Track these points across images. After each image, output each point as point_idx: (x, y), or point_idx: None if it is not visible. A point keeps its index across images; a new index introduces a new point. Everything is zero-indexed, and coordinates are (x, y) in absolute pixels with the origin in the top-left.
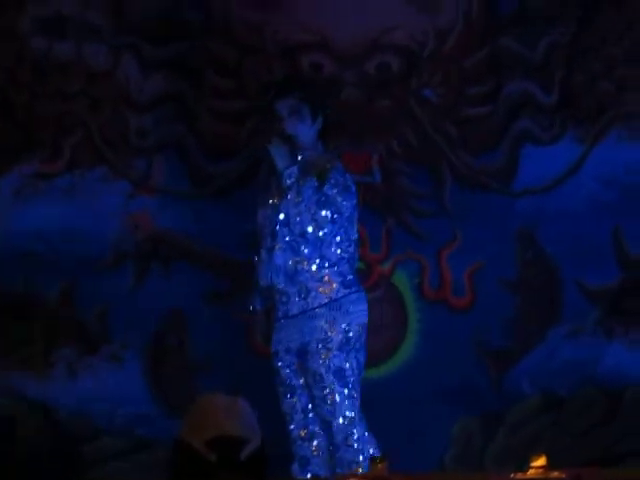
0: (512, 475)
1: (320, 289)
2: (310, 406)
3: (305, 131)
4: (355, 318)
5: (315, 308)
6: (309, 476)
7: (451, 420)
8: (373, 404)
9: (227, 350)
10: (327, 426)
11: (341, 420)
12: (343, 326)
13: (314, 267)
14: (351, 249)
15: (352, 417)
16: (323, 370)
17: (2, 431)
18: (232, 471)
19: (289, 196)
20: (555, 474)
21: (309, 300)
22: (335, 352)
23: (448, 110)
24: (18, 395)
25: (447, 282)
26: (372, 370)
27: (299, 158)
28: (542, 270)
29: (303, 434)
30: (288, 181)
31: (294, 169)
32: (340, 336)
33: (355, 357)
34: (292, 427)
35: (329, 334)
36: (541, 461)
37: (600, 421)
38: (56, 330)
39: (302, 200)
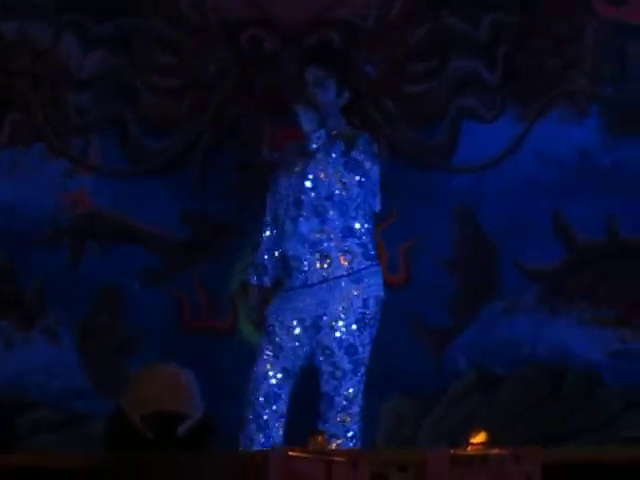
0: (451, 451)
1: (342, 259)
2: (283, 374)
3: (328, 103)
4: (373, 291)
5: (335, 278)
6: (262, 440)
7: (384, 399)
8: (304, 380)
9: (160, 328)
10: (327, 399)
11: (344, 396)
12: (361, 300)
13: (339, 235)
14: (372, 222)
15: (355, 394)
16: (335, 345)
17: None
18: (170, 445)
19: (317, 158)
20: (495, 451)
21: (330, 269)
22: (350, 328)
23: (389, 86)
24: None
25: (382, 258)
26: None
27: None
28: (479, 248)
29: (263, 399)
30: (314, 144)
31: (322, 133)
32: (358, 311)
33: (369, 333)
34: (256, 391)
35: (346, 308)
36: (481, 437)
37: (540, 400)
38: None
39: (330, 162)
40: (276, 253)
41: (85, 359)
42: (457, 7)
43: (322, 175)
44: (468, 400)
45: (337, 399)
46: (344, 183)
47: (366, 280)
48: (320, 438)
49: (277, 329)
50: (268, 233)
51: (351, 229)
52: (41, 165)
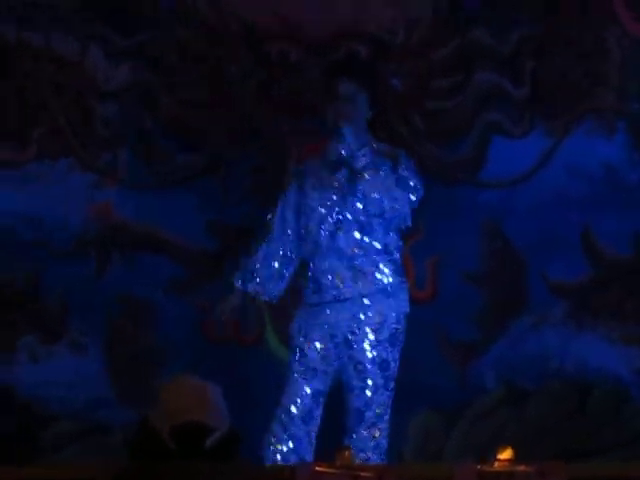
0: (478, 466)
1: (377, 274)
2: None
3: (360, 119)
4: (403, 307)
5: (370, 294)
6: (294, 458)
7: (411, 413)
8: (333, 395)
9: (185, 339)
10: (357, 415)
11: (374, 411)
12: (394, 315)
13: (374, 251)
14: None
15: (385, 409)
16: (368, 361)
17: None
18: (196, 458)
19: (366, 176)
20: (521, 467)
21: (365, 285)
22: (384, 344)
23: (415, 100)
24: None
25: (410, 273)
26: None
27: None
28: (507, 263)
29: (300, 414)
30: (361, 162)
31: (367, 150)
32: (392, 327)
33: (399, 349)
34: (292, 408)
35: (380, 323)
36: (507, 453)
37: (567, 415)
38: (19, 316)
39: (380, 180)
40: (276, 264)
41: (110, 370)
42: (484, 22)
43: (374, 194)
44: (495, 415)
45: (368, 414)
46: (396, 200)
47: (398, 296)
48: (347, 453)
49: (307, 350)
50: (274, 243)
51: (387, 245)
52: (67, 177)
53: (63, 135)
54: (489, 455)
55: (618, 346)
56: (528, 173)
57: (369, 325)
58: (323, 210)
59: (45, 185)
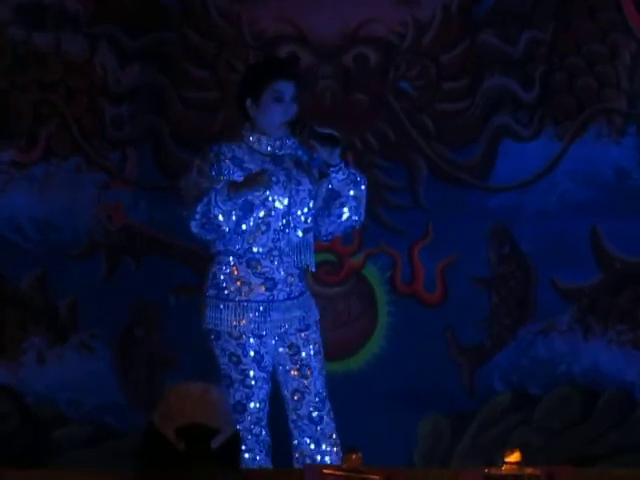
0: (486, 470)
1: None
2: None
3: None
4: None
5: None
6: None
7: (420, 417)
8: (340, 398)
9: (195, 343)
10: (320, 399)
11: (325, 393)
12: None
13: None
14: None
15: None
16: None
17: None
18: (202, 460)
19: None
20: (529, 470)
21: (303, 283)
22: None
23: (425, 104)
24: None
25: (419, 277)
26: (340, 363)
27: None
28: (516, 267)
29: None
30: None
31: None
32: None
33: None
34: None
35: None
36: (515, 457)
37: (575, 420)
38: (27, 317)
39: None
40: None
41: (119, 374)
42: (494, 26)
43: None
44: (504, 420)
45: (326, 396)
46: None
47: None
48: (355, 456)
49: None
50: None
51: None
52: (76, 178)
53: (72, 136)
54: (497, 459)
55: (627, 351)
56: (537, 176)
57: (316, 318)
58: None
59: (54, 186)
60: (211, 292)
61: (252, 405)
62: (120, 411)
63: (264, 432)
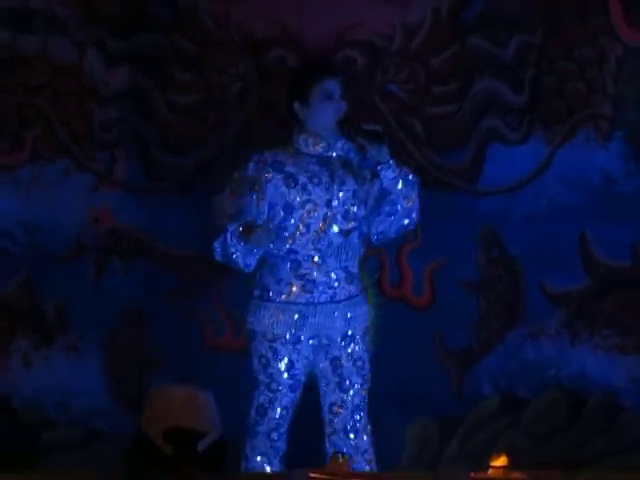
0: (472, 474)
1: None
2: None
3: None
4: None
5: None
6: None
7: (408, 421)
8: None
9: (183, 346)
10: (358, 414)
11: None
12: None
13: None
14: None
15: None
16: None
17: None
18: (189, 464)
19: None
20: (516, 475)
21: (353, 287)
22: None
23: (414, 107)
24: None
25: (407, 280)
26: None
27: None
28: (505, 271)
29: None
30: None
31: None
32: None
33: None
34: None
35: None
36: (502, 461)
37: (562, 424)
38: (14, 320)
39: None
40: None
41: (107, 377)
42: (483, 29)
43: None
44: (492, 424)
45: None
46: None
47: None
48: (341, 459)
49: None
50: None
51: None
52: (62, 181)
53: (58, 139)
54: (485, 464)
55: (613, 356)
56: (526, 180)
57: (363, 325)
58: None
59: (41, 189)
60: (256, 293)
61: (273, 411)
62: (108, 414)
63: (281, 439)
